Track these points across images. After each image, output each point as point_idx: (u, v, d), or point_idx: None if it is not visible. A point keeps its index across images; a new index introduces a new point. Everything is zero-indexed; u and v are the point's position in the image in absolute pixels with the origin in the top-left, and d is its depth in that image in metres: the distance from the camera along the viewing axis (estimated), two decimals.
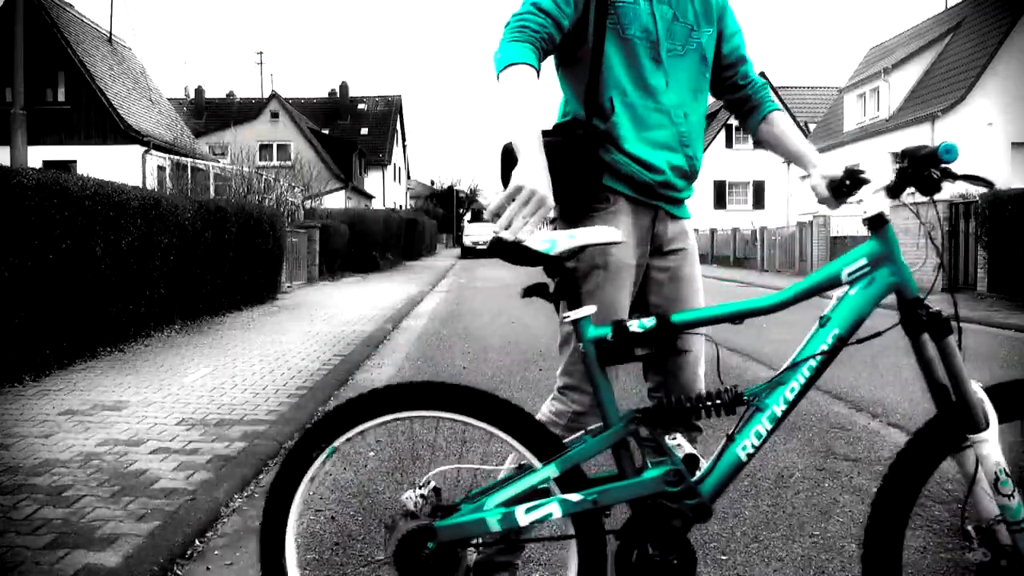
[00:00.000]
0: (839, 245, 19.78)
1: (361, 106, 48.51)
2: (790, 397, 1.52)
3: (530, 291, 1.58)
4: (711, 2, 1.92)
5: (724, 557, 2.55)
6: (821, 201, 1.77)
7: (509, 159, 1.66)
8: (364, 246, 21.36)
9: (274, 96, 39.70)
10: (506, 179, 1.66)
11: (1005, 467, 1.45)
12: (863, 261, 1.53)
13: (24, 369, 5.32)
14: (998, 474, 1.45)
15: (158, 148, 21.83)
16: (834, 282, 1.54)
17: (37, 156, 17.50)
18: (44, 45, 21.44)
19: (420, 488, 1.54)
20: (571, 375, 1.85)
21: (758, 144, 2.06)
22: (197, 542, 2.69)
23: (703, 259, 28.76)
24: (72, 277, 6.00)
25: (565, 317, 1.56)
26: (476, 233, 37.74)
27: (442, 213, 60.60)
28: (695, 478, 1.54)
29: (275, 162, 32.48)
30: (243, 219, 10.40)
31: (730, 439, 1.54)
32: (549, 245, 1.50)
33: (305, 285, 15.65)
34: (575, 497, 1.51)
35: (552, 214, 1.61)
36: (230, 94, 47.51)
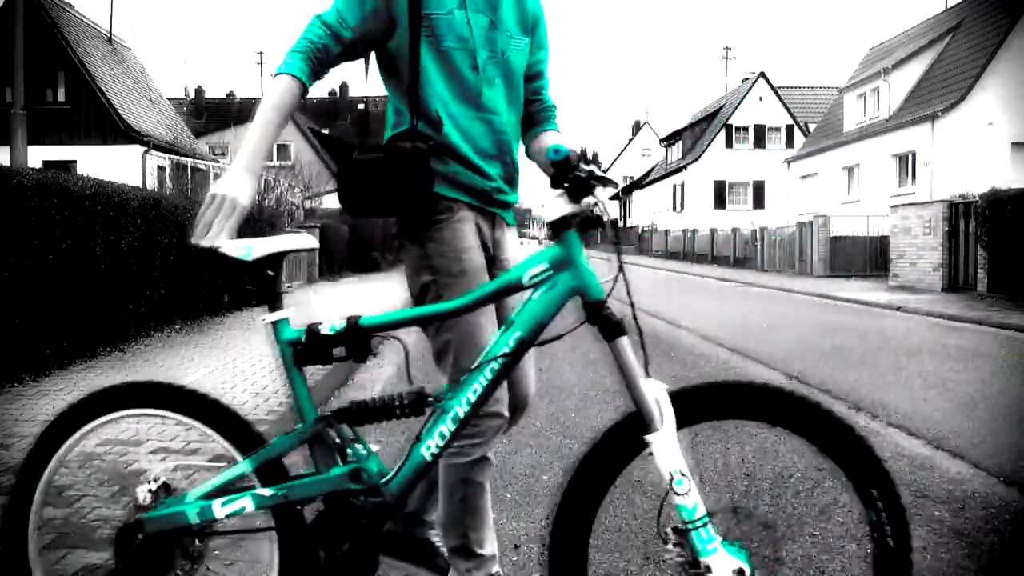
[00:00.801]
0: (839, 244, 19.80)
1: (360, 106, 48.50)
2: (472, 399, 1.55)
3: (235, 296, 1.67)
4: (527, 12, 1.95)
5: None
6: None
7: (336, 148, 1.77)
8: (364, 246, 21.36)
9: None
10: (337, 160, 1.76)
11: (682, 468, 1.46)
12: (544, 266, 1.55)
13: (24, 369, 5.32)
14: (672, 474, 1.46)
15: (158, 148, 21.83)
16: (516, 286, 1.57)
17: (37, 156, 17.49)
18: (44, 45, 21.43)
19: (151, 483, 1.63)
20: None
21: (529, 158, 2.07)
22: (197, 542, 2.69)
23: (703, 259, 28.77)
24: (72, 277, 6.00)
25: (263, 319, 1.62)
26: None
27: None
28: (384, 479, 1.58)
29: (275, 162, 32.47)
30: (243, 219, 10.38)
31: (416, 439, 1.58)
32: (245, 251, 1.57)
33: (305, 285, 15.66)
34: (267, 491, 1.58)
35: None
36: (230, 94, 47.53)
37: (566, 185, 1.52)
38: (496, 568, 1.93)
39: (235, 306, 9.88)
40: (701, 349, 7.03)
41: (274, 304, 1.61)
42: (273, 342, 1.80)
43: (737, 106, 37.37)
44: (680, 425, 1.49)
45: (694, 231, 31.62)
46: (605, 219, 1.57)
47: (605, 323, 1.50)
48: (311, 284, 16.11)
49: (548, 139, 2.03)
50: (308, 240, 1.65)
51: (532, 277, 1.55)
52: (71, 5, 24.81)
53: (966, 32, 21.92)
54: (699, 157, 37.70)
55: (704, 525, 1.47)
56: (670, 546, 1.48)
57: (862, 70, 26.80)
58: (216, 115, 41.25)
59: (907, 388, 5.29)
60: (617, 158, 67.30)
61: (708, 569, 1.45)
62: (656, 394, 1.49)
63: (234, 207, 1.59)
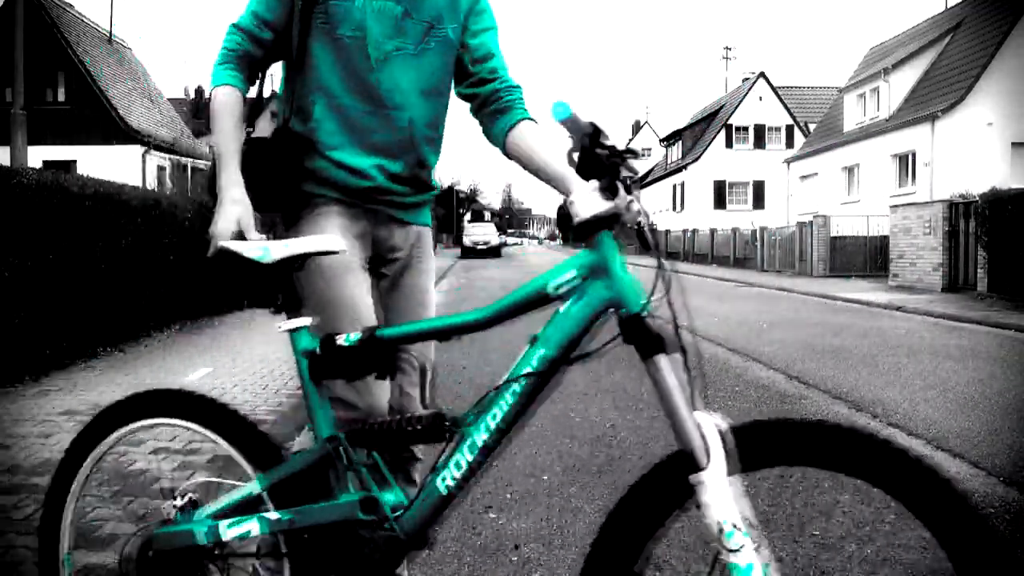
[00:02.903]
0: (839, 244, 19.80)
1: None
2: (492, 426, 1.33)
3: (254, 301, 1.55)
4: None
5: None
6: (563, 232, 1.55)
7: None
8: None
9: (274, 96, 39.62)
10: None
11: (735, 519, 1.18)
12: (572, 273, 1.31)
13: (24, 369, 5.32)
14: (722, 526, 1.16)
15: (158, 148, 21.83)
16: (543, 297, 1.33)
17: (37, 156, 17.49)
18: (44, 45, 21.44)
19: (178, 498, 1.54)
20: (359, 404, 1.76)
21: (506, 155, 1.83)
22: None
23: (703, 259, 28.75)
24: (72, 277, 6.00)
25: (278, 327, 1.50)
26: (476, 233, 37.73)
27: (442, 213, 60.56)
28: (398, 512, 1.41)
29: None
30: None
31: (433, 470, 1.39)
32: (262, 253, 1.48)
33: None
34: (274, 515, 1.46)
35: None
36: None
37: (596, 173, 1.29)
38: None
39: (237, 307, 9.89)
40: (701, 349, 7.03)
41: (293, 310, 1.50)
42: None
43: (737, 106, 37.37)
44: (734, 469, 1.20)
45: (694, 231, 31.61)
46: (643, 222, 1.34)
47: (641, 338, 1.25)
48: None
49: (526, 135, 1.78)
50: (331, 242, 1.54)
51: (559, 287, 1.32)
52: (71, 5, 24.81)
53: (966, 32, 21.91)
54: (699, 157, 37.70)
55: None
56: None
57: (862, 70, 26.80)
58: None
59: (907, 388, 5.28)
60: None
61: None
62: (705, 428, 1.20)
63: (242, 205, 1.58)
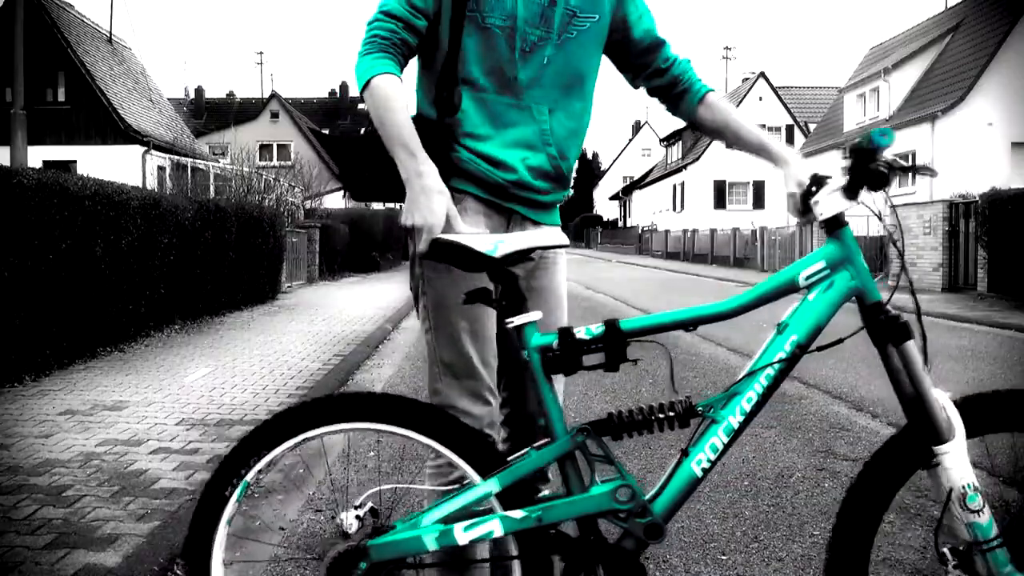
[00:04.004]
0: None
1: (361, 106, 48.37)
2: (747, 408, 1.43)
3: (472, 296, 1.48)
4: None
5: (724, 557, 2.55)
6: (794, 213, 1.66)
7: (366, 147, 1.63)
8: (364, 246, 21.37)
9: (274, 96, 39.72)
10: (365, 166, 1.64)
11: (974, 482, 1.37)
12: (821, 264, 1.46)
13: (24, 369, 5.32)
14: (965, 489, 1.37)
15: (158, 148, 21.83)
16: (792, 287, 1.47)
17: (37, 156, 17.49)
18: (44, 45, 21.43)
19: (356, 509, 1.45)
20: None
21: (699, 129, 1.90)
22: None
23: (703, 259, 28.76)
24: (72, 277, 6.00)
25: (509, 322, 1.46)
26: None
27: None
28: (648, 495, 1.45)
29: (275, 162, 32.51)
30: (243, 219, 10.40)
31: (684, 454, 1.44)
32: (493, 247, 1.43)
33: (305, 285, 15.66)
34: (518, 514, 1.42)
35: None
36: (230, 94, 47.58)
37: (862, 177, 1.44)
38: None
39: (246, 304, 9.88)
40: (700, 349, 7.03)
41: (518, 306, 1.45)
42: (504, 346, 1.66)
43: (737, 106, 37.13)
44: (970, 435, 1.39)
45: (694, 231, 31.62)
46: (887, 225, 1.51)
47: (890, 326, 1.42)
48: (311, 284, 16.11)
49: (717, 102, 1.85)
50: (559, 236, 1.50)
51: (808, 277, 1.46)
52: (71, 5, 24.81)
53: (966, 32, 21.92)
54: (699, 157, 37.71)
55: (1001, 546, 1.36)
56: (950, 568, 1.38)
57: (862, 70, 26.80)
58: (216, 115, 41.25)
59: None
60: (617, 158, 67.30)
61: None
62: (944, 402, 1.39)
63: (446, 195, 1.51)
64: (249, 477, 1.47)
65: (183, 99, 42.48)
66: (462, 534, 1.41)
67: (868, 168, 1.43)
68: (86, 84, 22.47)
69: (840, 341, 1.47)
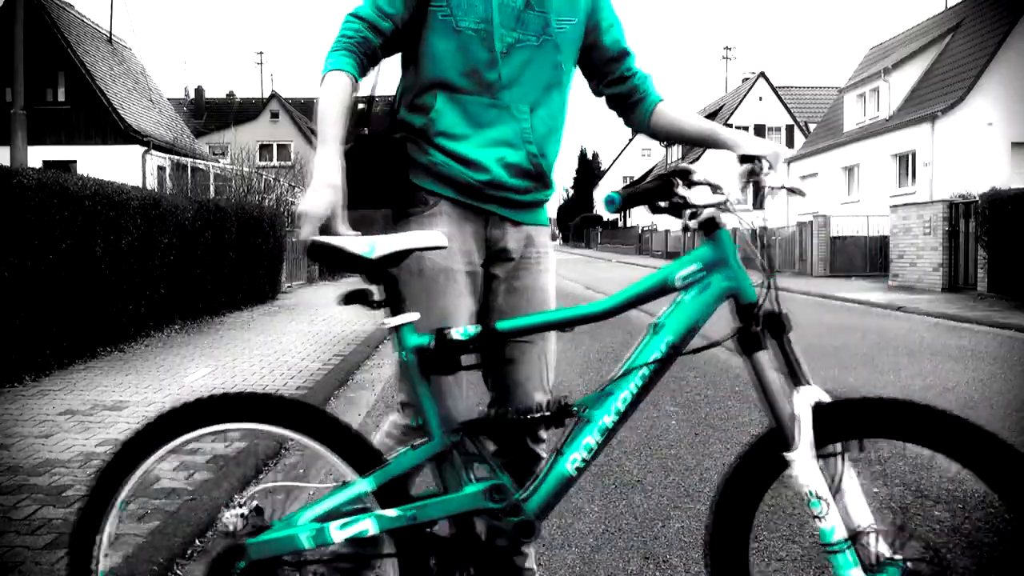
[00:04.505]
0: (839, 244, 19.80)
1: (361, 106, 48.50)
2: (621, 408, 1.45)
3: (349, 298, 1.48)
4: None
5: None
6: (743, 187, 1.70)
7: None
8: None
9: (274, 96, 39.72)
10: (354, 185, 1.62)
11: (817, 489, 1.38)
12: (697, 266, 1.48)
13: (24, 369, 5.32)
14: (808, 495, 1.38)
15: (158, 148, 21.84)
16: (667, 287, 1.48)
17: (37, 156, 17.49)
18: (44, 45, 21.43)
19: (240, 507, 1.47)
20: (404, 391, 1.77)
21: (654, 138, 1.98)
22: (197, 542, 2.69)
23: None
24: (72, 277, 6.00)
25: (383, 324, 1.49)
26: None
27: None
28: (522, 495, 1.47)
29: (275, 162, 32.50)
30: (243, 219, 10.40)
31: (558, 453, 1.47)
32: (368, 248, 1.44)
33: (305, 285, 15.66)
34: (392, 512, 1.45)
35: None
36: (230, 94, 47.51)
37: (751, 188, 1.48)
38: None
39: (246, 304, 9.89)
40: None
41: (397, 307, 1.48)
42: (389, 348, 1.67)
43: (737, 106, 37.38)
44: (820, 443, 1.40)
45: (694, 231, 31.58)
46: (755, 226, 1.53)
47: (769, 319, 1.44)
48: (311, 284, 16.11)
49: (668, 108, 1.89)
50: (436, 238, 1.51)
51: (684, 278, 1.47)
52: (71, 5, 24.82)
53: (966, 32, 21.92)
54: (699, 157, 37.68)
55: (845, 550, 1.37)
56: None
57: (862, 70, 26.80)
58: (216, 115, 41.24)
59: (907, 388, 5.28)
60: (617, 158, 67.28)
61: None
62: (799, 407, 1.40)
63: (336, 191, 1.51)
64: (125, 492, 1.52)
65: (183, 99, 42.45)
66: (336, 532, 1.44)
67: (755, 181, 1.49)
68: (86, 84, 22.48)
69: (716, 344, 1.49)
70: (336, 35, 1.67)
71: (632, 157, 64.66)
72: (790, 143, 36.19)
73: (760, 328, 1.43)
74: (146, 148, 21.75)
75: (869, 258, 19.58)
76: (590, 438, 1.45)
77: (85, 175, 6.76)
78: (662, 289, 1.48)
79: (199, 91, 45.35)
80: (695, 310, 1.47)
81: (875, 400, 1.43)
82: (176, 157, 18.48)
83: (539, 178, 1.79)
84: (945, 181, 18.96)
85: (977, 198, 13.02)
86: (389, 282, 1.48)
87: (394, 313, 1.48)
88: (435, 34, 1.69)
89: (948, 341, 7.75)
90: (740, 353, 1.44)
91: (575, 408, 1.46)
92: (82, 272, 6.16)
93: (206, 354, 6.56)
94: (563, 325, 1.50)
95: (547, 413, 1.46)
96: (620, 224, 55.66)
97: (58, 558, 2.39)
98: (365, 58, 1.67)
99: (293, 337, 7.73)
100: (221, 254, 9.49)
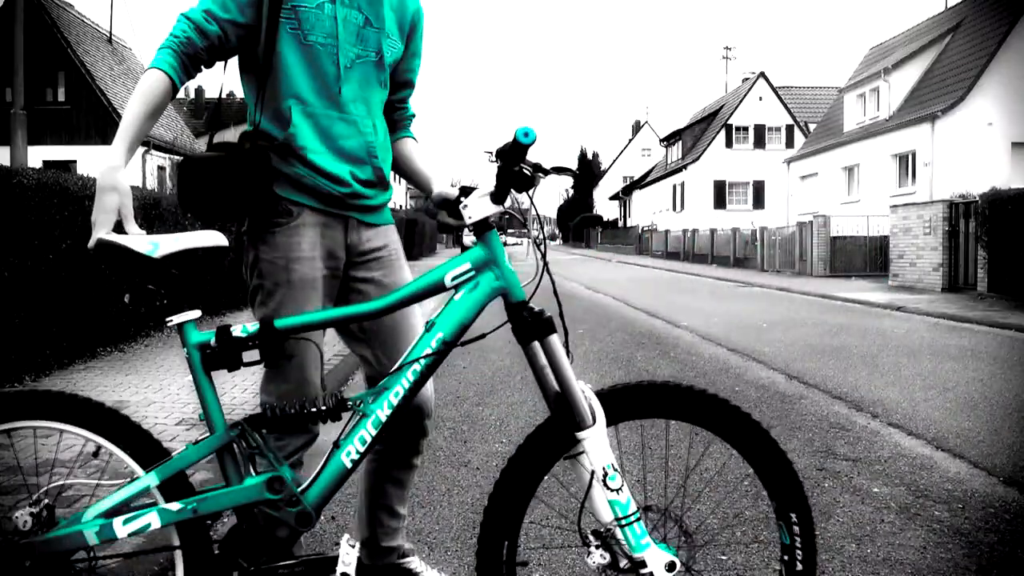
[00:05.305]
0: (839, 244, 19.80)
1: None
2: (395, 402, 1.52)
3: (136, 296, 1.57)
4: (407, 15, 1.91)
5: (724, 557, 2.55)
6: (441, 229, 1.77)
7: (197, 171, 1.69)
8: None
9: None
10: (186, 193, 1.69)
11: (614, 463, 1.48)
12: (467, 266, 1.55)
13: (24, 369, 5.32)
14: (606, 469, 1.48)
15: (158, 148, 21.84)
16: (439, 287, 1.56)
17: (37, 156, 17.51)
18: (44, 45, 21.46)
19: (31, 506, 1.50)
20: (268, 392, 1.81)
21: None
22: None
23: (703, 259, 28.75)
24: (72, 277, 6.00)
25: (168, 321, 1.55)
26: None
27: (439, 214, 60.51)
28: (300, 487, 1.53)
29: None
30: None
31: (336, 446, 1.52)
32: (152, 247, 1.49)
33: None
34: (175, 506, 1.49)
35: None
36: (230, 94, 47.50)
37: (509, 180, 1.51)
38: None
39: (236, 307, 9.89)
40: (700, 349, 7.03)
41: (180, 305, 1.55)
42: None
43: (737, 106, 37.37)
44: (609, 423, 1.51)
45: (694, 231, 31.62)
46: (528, 218, 1.60)
47: (533, 321, 1.50)
48: None
49: (408, 146, 2.04)
50: (217, 238, 1.55)
51: (455, 278, 1.55)
52: (71, 5, 24.82)
53: (966, 32, 21.92)
54: (699, 157, 37.70)
55: (637, 520, 1.49)
56: (592, 549, 1.50)
57: (862, 70, 26.80)
58: (216, 115, 41.24)
59: (907, 388, 5.29)
60: (617, 158, 67.30)
61: (642, 564, 1.48)
62: (587, 393, 1.51)
63: (120, 193, 1.55)
64: None
65: (183, 99, 42.47)
66: (121, 527, 1.47)
67: (512, 171, 1.50)
68: (86, 84, 22.49)
69: (483, 336, 1.58)
70: (167, 33, 1.70)
71: (632, 157, 64.67)
72: (790, 143, 36.20)
73: (522, 330, 1.52)
74: (146, 148, 21.75)
75: (869, 258, 19.58)
76: (365, 431, 1.51)
77: (85, 175, 6.77)
78: (436, 288, 1.56)
79: (199, 91, 45.38)
80: (465, 308, 1.54)
81: (646, 385, 1.59)
82: (176, 157, 18.49)
83: (381, 183, 1.89)
84: (945, 181, 18.97)
85: (977, 198, 13.02)
86: (172, 281, 1.53)
87: (177, 311, 1.54)
88: (286, 45, 1.73)
89: (948, 341, 7.75)
90: (520, 343, 1.53)
91: (351, 402, 1.52)
92: (82, 272, 6.16)
93: None
94: (341, 322, 1.60)
95: (324, 407, 1.51)
96: (620, 224, 55.67)
97: None
98: (188, 59, 1.69)
99: None
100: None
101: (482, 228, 1.56)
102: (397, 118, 2.03)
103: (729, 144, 37.39)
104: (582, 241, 56.53)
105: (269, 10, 1.70)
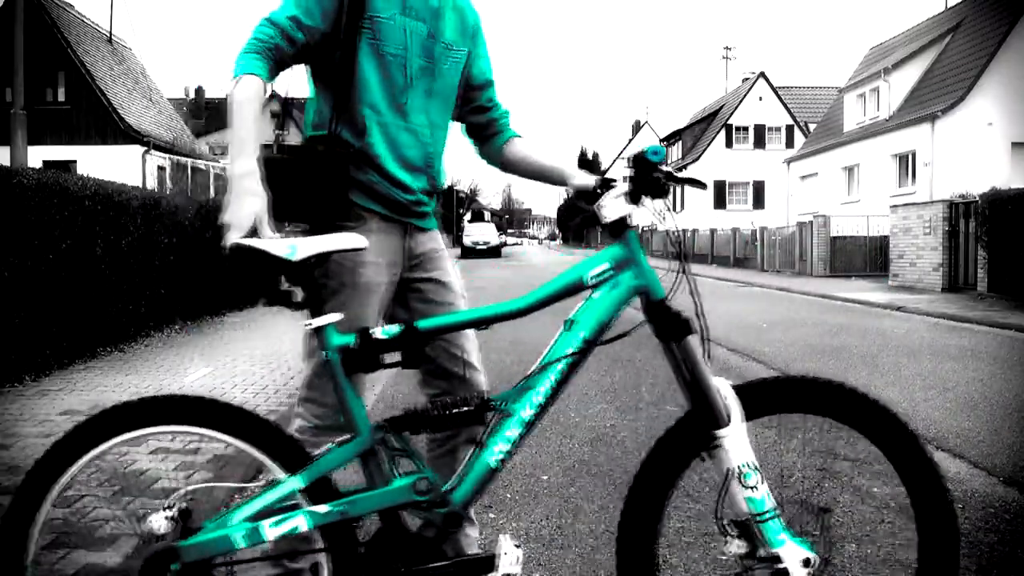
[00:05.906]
0: (839, 244, 19.80)
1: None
2: (539, 401, 1.53)
3: (272, 299, 1.52)
4: (467, 22, 1.95)
5: (724, 557, 2.55)
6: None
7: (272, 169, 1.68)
8: None
9: (274, 96, 39.67)
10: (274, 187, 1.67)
11: (751, 461, 1.50)
12: (606, 265, 1.56)
13: (24, 369, 5.32)
14: (742, 468, 1.50)
15: (158, 148, 21.84)
16: (578, 286, 1.56)
17: (37, 156, 17.50)
18: (44, 45, 21.44)
19: (167, 509, 1.48)
20: (313, 387, 1.83)
21: (503, 168, 2.07)
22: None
23: (703, 259, 28.77)
24: (72, 277, 6.00)
25: (307, 324, 1.52)
26: (476, 233, 37.72)
27: (442, 213, 60.61)
28: (447, 487, 1.53)
29: None
30: None
31: (480, 446, 1.53)
32: (290, 250, 1.48)
33: None
34: (323, 509, 1.48)
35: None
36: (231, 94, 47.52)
37: (643, 186, 1.54)
38: None
39: (237, 306, 9.89)
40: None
41: (318, 308, 1.52)
42: (309, 348, 1.76)
43: (737, 106, 37.37)
44: (746, 418, 1.51)
45: (694, 231, 31.62)
46: (660, 224, 1.59)
47: (672, 321, 1.52)
48: None
49: (522, 144, 2.03)
50: (356, 240, 1.56)
51: (594, 276, 1.56)
52: (71, 5, 24.81)
53: (966, 32, 21.91)
54: (699, 157, 37.70)
55: (775, 517, 1.50)
56: (730, 539, 1.52)
57: (862, 70, 26.80)
58: (216, 115, 41.23)
59: (907, 388, 5.28)
60: (617, 158, 67.28)
61: (778, 559, 1.48)
62: (723, 390, 1.51)
63: (260, 199, 1.56)
64: (54, 493, 1.50)
65: (183, 99, 42.46)
66: (269, 531, 1.46)
67: (649, 177, 1.53)
68: (86, 84, 22.48)
69: (626, 334, 1.59)
70: (249, 37, 1.71)
71: None
72: (790, 143, 36.20)
73: (661, 328, 1.54)
74: (146, 148, 21.75)
75: (869, 258, 19.58)
76: (512, 431, 1.52)
77: (85, 175, 6.76)
78: (575, 287, 1.56)
79: (199, 91, 45.36)
80: (606, 307, 1.55)
81: (783, 379, 1.57)
82: (176, 157, 18.50)
83: (434, 191, 1.96)
84: (945, 181, 18.96)
85: (977, 198, 13.02)
86: (310, 284, 1.52)
87: (316, 314, 1.51)
88: (365, 57, 1.78)
89: (948, 341, 7.75)
90: (661, 341, 1.55)
91: (495, 403, 1.53)
92: (82, 272, 6.16)
93: (206, 354, 6.56)
94: (483, 323, 1.58)
95: (468, 408, 1.51)
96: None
97: (59, 557, 2.40)
98: (275, 64, 1.72)
99: (293, 337, 7.73)
100: (221, 254, 9.48)
101: (619, 227, 1.57)
102: (490, 119, 2.04)
103: (729, 144, 37.38)
104: (582, 241, 56.52)
105: (349, 20, 1.74)
